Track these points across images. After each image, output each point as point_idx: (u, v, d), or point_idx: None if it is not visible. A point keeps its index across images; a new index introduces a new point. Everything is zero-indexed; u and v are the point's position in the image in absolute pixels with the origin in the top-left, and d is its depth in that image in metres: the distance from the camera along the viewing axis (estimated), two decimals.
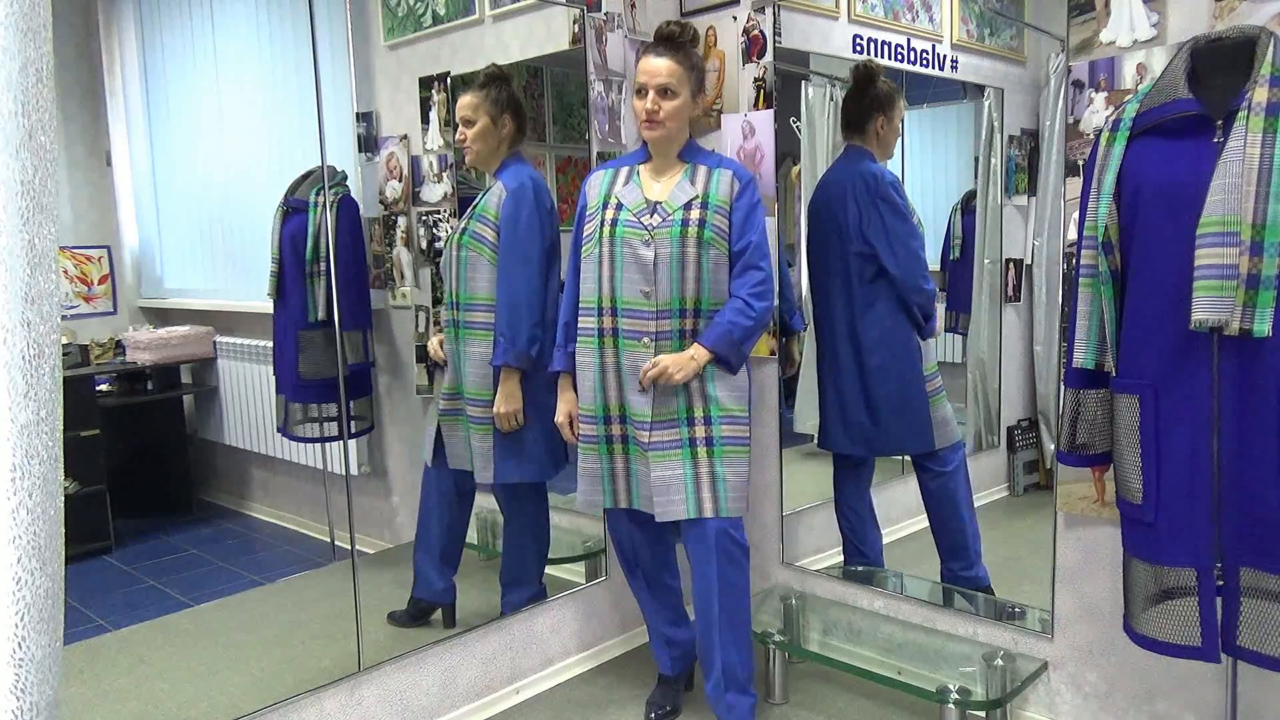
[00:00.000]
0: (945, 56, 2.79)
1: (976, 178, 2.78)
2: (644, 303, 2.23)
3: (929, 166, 2.92)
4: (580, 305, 2.32)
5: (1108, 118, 1.83)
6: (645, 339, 2.24)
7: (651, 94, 2.21)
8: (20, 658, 0.78)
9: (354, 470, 2.77)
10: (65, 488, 0.85)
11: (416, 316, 2.83)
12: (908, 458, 2.86)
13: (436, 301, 2.75)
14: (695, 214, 2.22)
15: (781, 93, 2.79)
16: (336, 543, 2.75)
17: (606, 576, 2.93)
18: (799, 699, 2.63)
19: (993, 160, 2.72)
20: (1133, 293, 1.78)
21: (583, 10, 2.73)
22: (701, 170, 2.28)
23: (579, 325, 2.32)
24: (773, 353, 2.86)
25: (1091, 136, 2.07)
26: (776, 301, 2.76)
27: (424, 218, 2.80)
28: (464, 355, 2.51)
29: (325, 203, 2.52)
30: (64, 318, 2.39)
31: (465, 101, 2.51)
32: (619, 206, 2.27)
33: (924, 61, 2.78)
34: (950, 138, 2.91)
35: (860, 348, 2.74)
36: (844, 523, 2.90)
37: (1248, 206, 1.57)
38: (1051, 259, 2.58)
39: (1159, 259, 1.72)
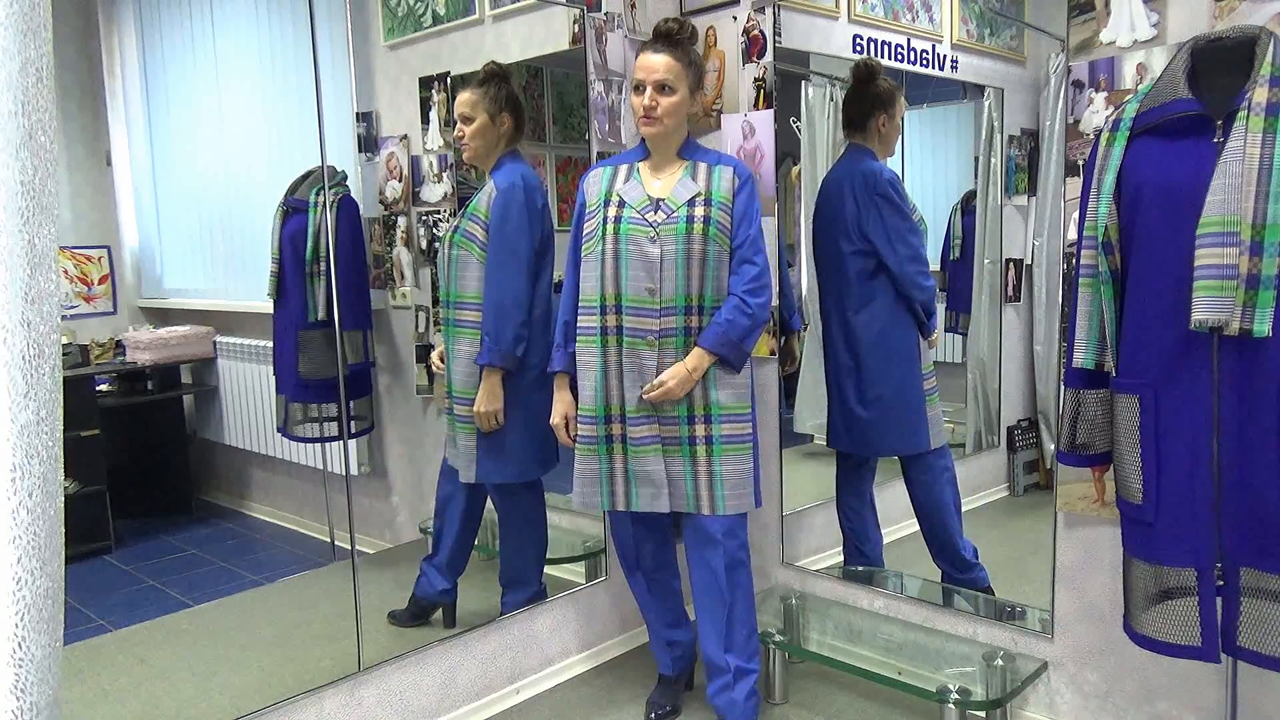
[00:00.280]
0: (945, 56, 2.79)
1: (976, 178, 2.78)
2: (649, 300, 2.23)
3: (929, 166, 2.92)
4: (582, 303, 2.31)
5: (1108, 118, 1.83)
6: (649, 337, 2.23)
7: (649, 90, 2.21)
8: (20, 658, 0.78)
9: (354, 470, 2.77)
10: (65, 488, 0.85)
11: (416, 316, 2.83)
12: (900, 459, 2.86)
13: (436, 301, 2.75)
14: (700, 210, 2.22)
15: (781, 93, 2.79)
16: (336, 543, 2.75)
17: (606, 576, 2.93)
18: (799, 699, 2.63)
19: (993, 160, 2.72)
20: (1133, 293, 1.78)
21: (583, 10, 2.73)
22: (702, 167, 2.28)
23: (581, 324, 2.31)
24: (773, 352, 2.86)
25: (1091, 136, 2.07)
26: (776, 300, 2.76)
27: (424, 218, 2.80)
28: (453, 354, 2.51)
29: (325, 203, 2.52)
30: (64, 318, 2.39)
31: (464, 99, 2.51)
32: (621, 204, 2.26)
33: (924, 61, 2.78)
34: (950, 138, 2.91)
35: (859, 346, 2.74)
36: (845, 522, 2.90)
37: (1248, 206, 1.57)
38: (1051, 259, 2.58)
39: (1159, 259, 1.72)
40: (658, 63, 2.20)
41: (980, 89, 2.77)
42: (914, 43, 2.77)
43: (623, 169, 2.32)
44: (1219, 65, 1.69)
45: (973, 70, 2.80)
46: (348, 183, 2.65)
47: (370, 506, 2.92)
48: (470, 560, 2.71)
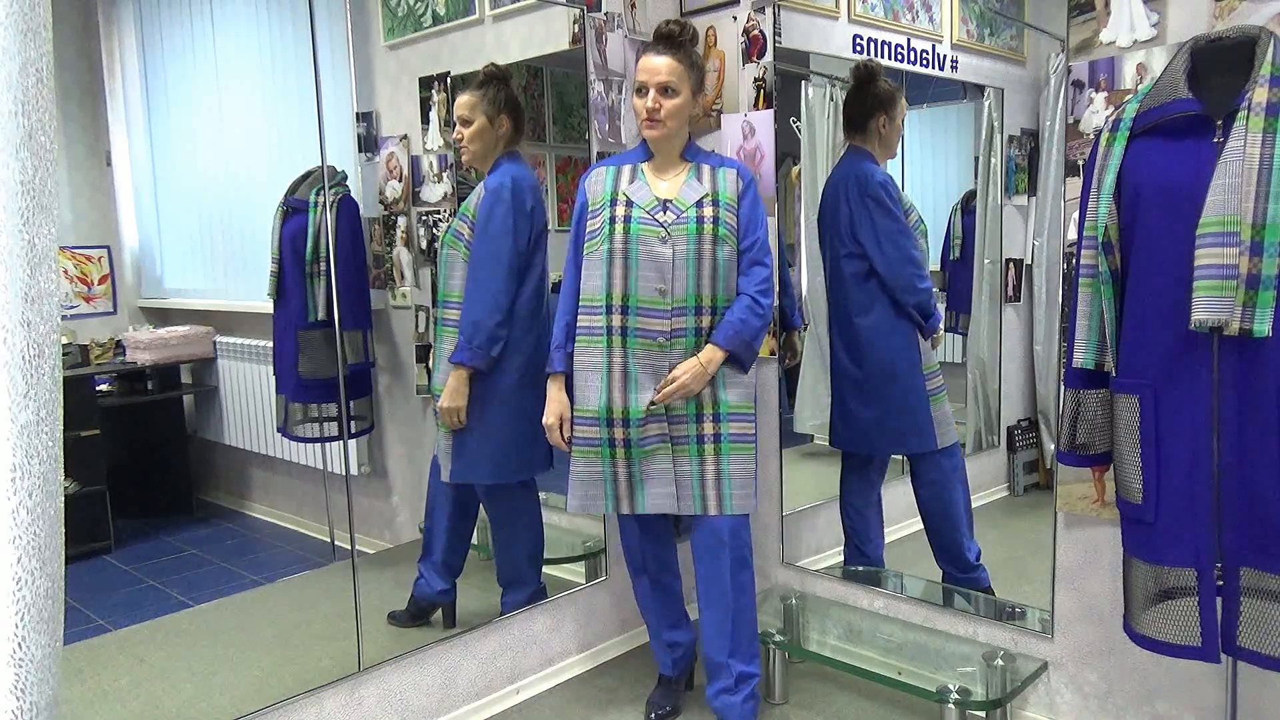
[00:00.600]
0: (945, 56, 2.79)
1: (976, 178, 2.78)
2: (659, 301, 2.22)
3: (929, 166, 2.92)
4: (586, 304, 2.29)
5: (1108, 118, 1.83)
6: (660, 338, 2.23)
7: (652, 93, 2.21)
8: (20, 658, 0.78)
9: (354, 470, 2.77)
10: (65, 488, 0.85)
11: (416, 316, 2.83)
12: (907, 457, 2.86)
13: (436, 302, 2.75)
14: (709, 211, 2.23)
15: (781, 93, 2.79)
16: (336, 543, 2.75)
17: (606, 576, 2.93)
18: (799, 699, 2.63)
19: (993, 160, 2.72)
20: (1133, 293, 1.78)
21: (583, 10, 2.73)
22: (706, 169, 2.28)
23: (584, 324, 2.29)
24: (773, 353, 2.86)
25: (1091, 136, 2.07)
26: (777, 300, 2.77)
27: (424, 218, 2.80)
28: (439, 353, 2.51)
29: (325, 203, 2.52)
30: (64, 318, 2.39)
31: (463, 101, 2.51)
32: (629, 204, 2.25)
33: (924, 61, 2.78)
34: (950, 138, 2.91)
35: (859, 346, 2.74)
36: (848, 521, 2.90)
37: (1248, 206, 1.57)
38: (1051, 259, 2.58)
39: (1159, 259, 1.71)
40: (660, 65, 2.20)
41: (980, 89, 2.77)
42: (914, 43, 2.77)
43: (626, 169, 2.32)
44: (1219, 65, 1.69)
45: (973, 70, 2.80)
46: (348, 183, 2.65)
47: (370, 506, 2.92)
48: (469, 560, 2.70)
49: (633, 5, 2.85)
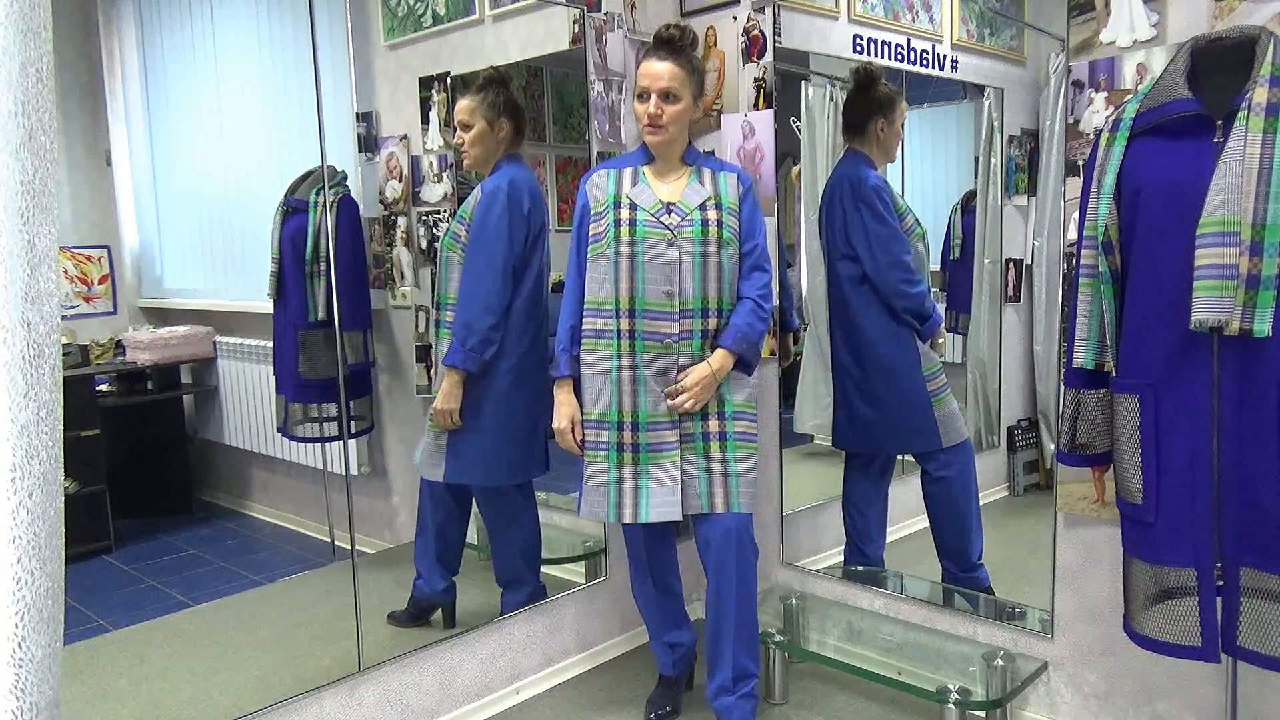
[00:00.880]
0: (945, 56, 2.79)
1: (976, 178, 2.78)
2: (667, 303, 2.22)
3: (929, 166, 2.92)
4: (593, 308, 2.28)
5: (1108, 118, 1.83)
6: (667, 341, 2.23)
7: (654, 98, 2.20)
8: (20, 658, 0.78)
9: (354, 470, 2.77)
10: (65, 488, 0.85)
11: (416, 316, 2.83)
12: (909, 457, 2.86)
13: (436, 302, 2.75)
14: (713, 214, 2.23)
15: (781, 93, 2.79)
16: (336, 543, 2.75)
17: (606, 576, 2.93)
18: (799, 699, 2.63)
19: (993, 160, 2.72)
20: (1133, 293, 1.78)
21: (583, 10, 2.73)
22: (707, 172, 2.29)
23: (593, 328, 2.28)
24: (772, 353, 2.86)
25: (1091, 136, 2.07)
26: (775, 301, 2.77)
27: (424, 218, 2.80)
28: (439, 354, 2.51)
29: (325, 203, 2.52)
30: (64, 318, 2.39)
31: (462, 105, 2.50)
32: (634, 206, 2.25)
33: (924, 61, 2.78)
34: (950, 138, 2.91)
35: (858, 347, 2.74)
36: (849, 521, 2.90)
37: (1248, 206, 1.57)
38: (1051, 259, 2.58)
39: (1159, 259, 1.71)
40: (662, 71, 2.20)
41: (980, 89, 2.77)
42: (914, 43, 2.77)
43: (627, 172, 2.31)
44: (1219, 65, 1.69)
45: (973, 70, 2.80)
46: (348, 183, 2.65)
47: (370, 506, 2.92)
48: (469, 560, 2.70)
49: (633, 5, 2.85)
